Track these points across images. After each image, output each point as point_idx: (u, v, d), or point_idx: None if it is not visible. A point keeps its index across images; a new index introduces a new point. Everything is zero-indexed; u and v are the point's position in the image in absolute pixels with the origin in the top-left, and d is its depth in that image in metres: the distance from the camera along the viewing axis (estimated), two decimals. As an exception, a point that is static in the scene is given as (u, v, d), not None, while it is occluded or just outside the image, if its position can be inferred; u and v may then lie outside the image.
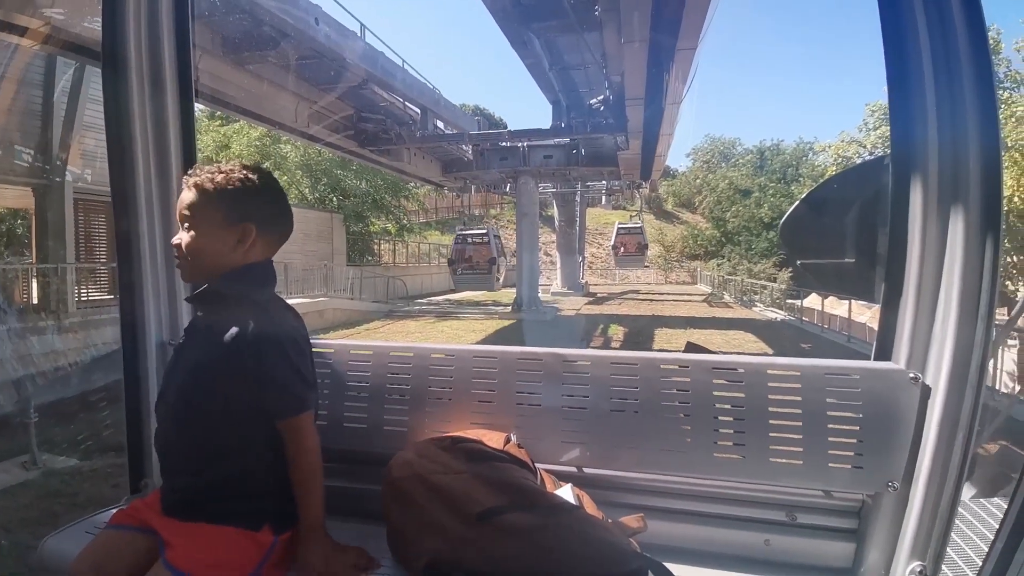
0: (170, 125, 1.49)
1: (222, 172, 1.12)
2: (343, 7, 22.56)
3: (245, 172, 1.13)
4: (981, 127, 0.99)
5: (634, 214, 24.59)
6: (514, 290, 18.36)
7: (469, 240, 18.16)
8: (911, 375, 1.09)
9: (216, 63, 9.11)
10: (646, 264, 26.30)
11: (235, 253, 1.12)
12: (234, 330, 1.06)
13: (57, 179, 9.06)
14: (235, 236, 1.12)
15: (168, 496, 1.11)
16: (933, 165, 1.05)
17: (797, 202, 1.28)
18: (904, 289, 1.12)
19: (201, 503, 1.07)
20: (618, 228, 22.60)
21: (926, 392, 1.08)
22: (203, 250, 1.11)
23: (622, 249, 22.22)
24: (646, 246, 22.57)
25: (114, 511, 1.30)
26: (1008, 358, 6.25)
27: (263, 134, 20.06)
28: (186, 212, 1.11)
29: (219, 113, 18.96)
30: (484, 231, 18.55)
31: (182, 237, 1.12)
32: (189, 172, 1.15)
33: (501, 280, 18.54)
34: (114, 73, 1.43)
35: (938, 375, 1.07)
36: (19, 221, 11.21)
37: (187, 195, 1.12)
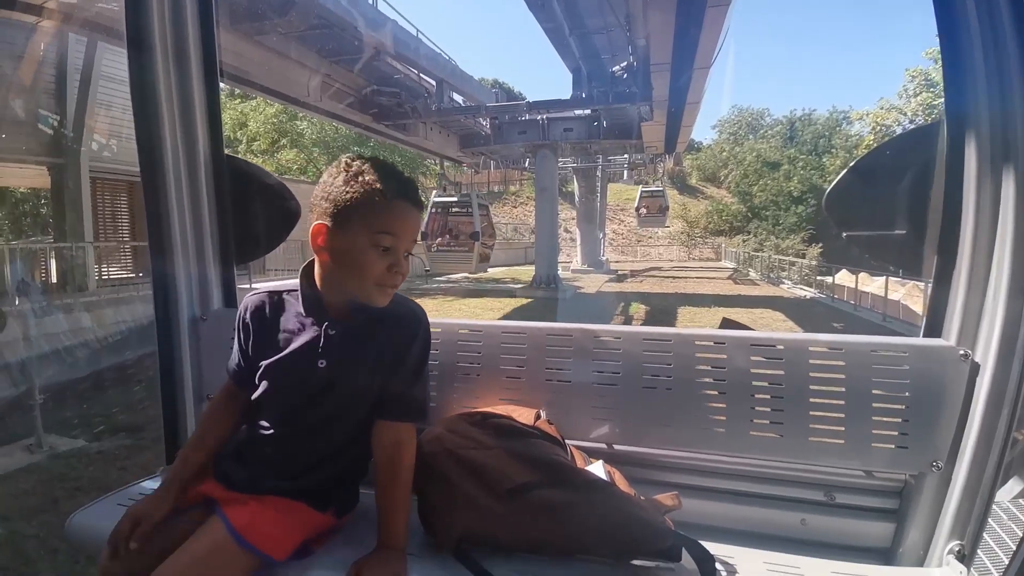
0: (196, 104, 1.49)
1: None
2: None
3: None
4: None
5: (655, 179, 26.62)
6: (523, 268, 17.32)
7: (448, 209, 14.80)
8: (961, 352, 1.05)
9: (227, 37, 9.05)
10: (666, 224, 29.37)
11: None
12: (406, 339, 1.07)
13: (73, 158, 9.13)
14: None
15: (242, 475, 1.08)
16: (985, 131, 1.01)
17: (844, 171, 1.21)
18: (957, 263, 1.07)
19: (284, 485, 1.06)
20: (641, 192, 24.95)
21: (975, 369, 1.04)
22: None
23: (645, 211, 24.56)
24: (667, 208, 24.94)
25: (146, 482, 1.33)
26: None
27: (279, 111, 20.04)
28: (415, 236, 1.04)
29: (238, 91, 18.96)
30: (466, 198, 15.13)
31: (403, 262, 1.03)
32: (409, 188, 1.01)
33: (490, 259, 15.66)
34: (139, 53, 1.43)
35: (987, 352, 1.03)
36: (41, 201, 11.38)
37: (419, 218, 1.04)
